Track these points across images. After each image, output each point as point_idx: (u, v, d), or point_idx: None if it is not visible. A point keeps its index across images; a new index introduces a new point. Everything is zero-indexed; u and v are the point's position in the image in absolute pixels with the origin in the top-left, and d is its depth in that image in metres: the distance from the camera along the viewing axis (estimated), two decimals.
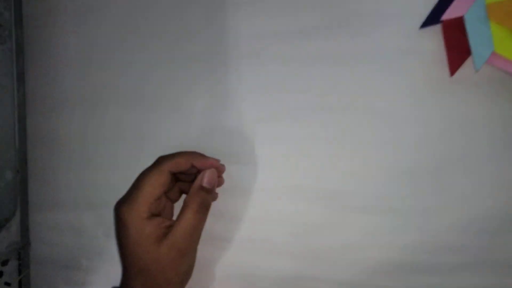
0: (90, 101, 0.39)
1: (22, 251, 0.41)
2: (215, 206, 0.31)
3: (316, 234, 0.33)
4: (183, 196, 0.33)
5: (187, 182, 0.32)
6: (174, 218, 0.32)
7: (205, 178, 0.29)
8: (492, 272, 0.29)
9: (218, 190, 0.33)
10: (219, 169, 0.31)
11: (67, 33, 0.40)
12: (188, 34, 0.36)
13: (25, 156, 0.41)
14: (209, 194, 0.29)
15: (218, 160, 0.31)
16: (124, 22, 0.38)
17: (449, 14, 0.28)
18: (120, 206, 0.28)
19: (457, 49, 0.28)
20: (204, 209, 0.28)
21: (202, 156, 0.31)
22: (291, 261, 0.33)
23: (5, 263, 0.39)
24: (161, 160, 0.29)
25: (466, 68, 0.29)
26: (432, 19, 0.29)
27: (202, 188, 0.29)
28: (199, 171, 0.30)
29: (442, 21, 0.29)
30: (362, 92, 0.31)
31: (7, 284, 0.40)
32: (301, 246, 0.33)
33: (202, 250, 0.30)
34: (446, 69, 0.30)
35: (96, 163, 0.39)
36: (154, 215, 0.28)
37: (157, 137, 0.37)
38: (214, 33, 0.35)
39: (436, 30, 0.30)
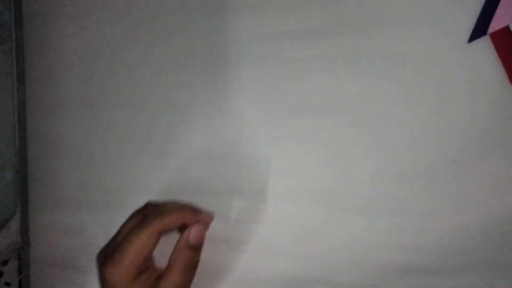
0: (90, 101, 0.39)
1: (22, 251, 0.41)
2: (215, 207, 0.31)
3: (317, 235, 0.33)
4: None
5: None
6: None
7: (192, 234, 0.27)
8: (491, 273, 0.29)
9: (218, 190, 0.32)
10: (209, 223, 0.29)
11: (67, 33, 0.40)
12: (189, 36, 0.36)
13: (25, 156, 0.41)
14: (197, 252, 0.27)
15: (211, 215, 0.29)
16: (125, 23, 0.38)
17: (494, 26, 0.29)
18: (105, 266, 0.25)
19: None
20: (190, 269, 0.27)
21: (194, 211, 0.28)
22: (291, 262, 0.33)
23: (5, 263, 0.39)
24: (150, 218, 0.26)
25: (459, 68, 0.29)
26: (478, 30, 0.29)
27: (188, 246, 0.27)
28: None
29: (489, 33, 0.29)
30: (361, 94, 0.31)
31: (7, 284, 0.40)
32: (301, 247, 0.33)
33: (203, 252, 0.30)
34: (443, 67, 0.30)
35: (96, 163, 0.39)
36: (141, 271, 0.26)
37: (157, 138, 0.37)
38: (215, 36, 0.35)
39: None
